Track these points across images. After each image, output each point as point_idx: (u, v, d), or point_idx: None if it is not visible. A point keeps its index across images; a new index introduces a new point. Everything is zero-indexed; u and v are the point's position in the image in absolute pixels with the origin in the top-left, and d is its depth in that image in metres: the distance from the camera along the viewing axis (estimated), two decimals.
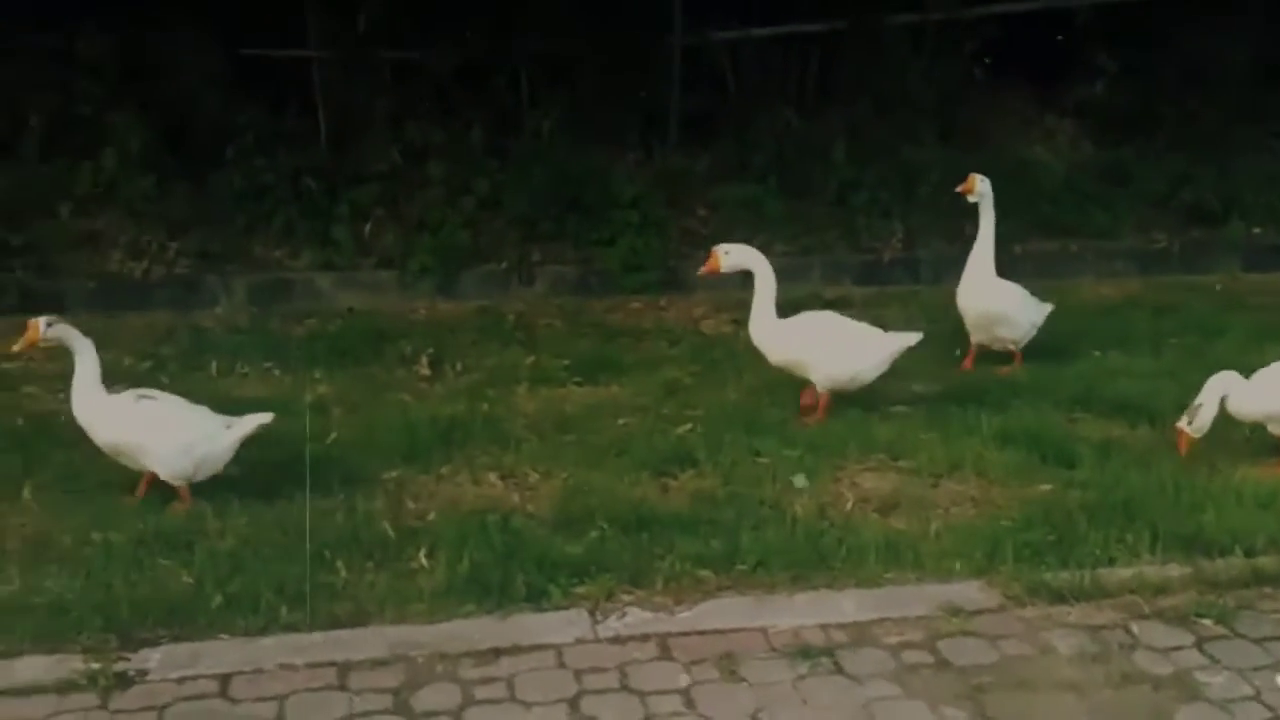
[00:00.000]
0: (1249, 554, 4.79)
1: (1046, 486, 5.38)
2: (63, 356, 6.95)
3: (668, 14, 9.19)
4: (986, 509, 5.20)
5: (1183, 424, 5.52)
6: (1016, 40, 9.63)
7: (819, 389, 6.08)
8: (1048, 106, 10.10)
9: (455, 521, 4.97)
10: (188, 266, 8.16)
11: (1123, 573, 4.68)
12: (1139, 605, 4.51)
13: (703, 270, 6.12)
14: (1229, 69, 9.79)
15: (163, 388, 6.34)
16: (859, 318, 6.39)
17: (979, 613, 4.45)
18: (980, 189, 6.69)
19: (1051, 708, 3.98)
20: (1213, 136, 9.57)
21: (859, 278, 8.64)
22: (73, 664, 4.08)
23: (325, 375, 6.71)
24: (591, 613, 4.42)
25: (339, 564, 4.67)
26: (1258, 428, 5.64)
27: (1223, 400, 5.48)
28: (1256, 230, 9.26)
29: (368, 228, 8.45)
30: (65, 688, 3.98)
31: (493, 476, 5.47)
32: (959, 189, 6.76)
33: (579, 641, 4.27)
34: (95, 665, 4.06)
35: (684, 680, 4.07)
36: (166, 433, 5.03)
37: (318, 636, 4.27)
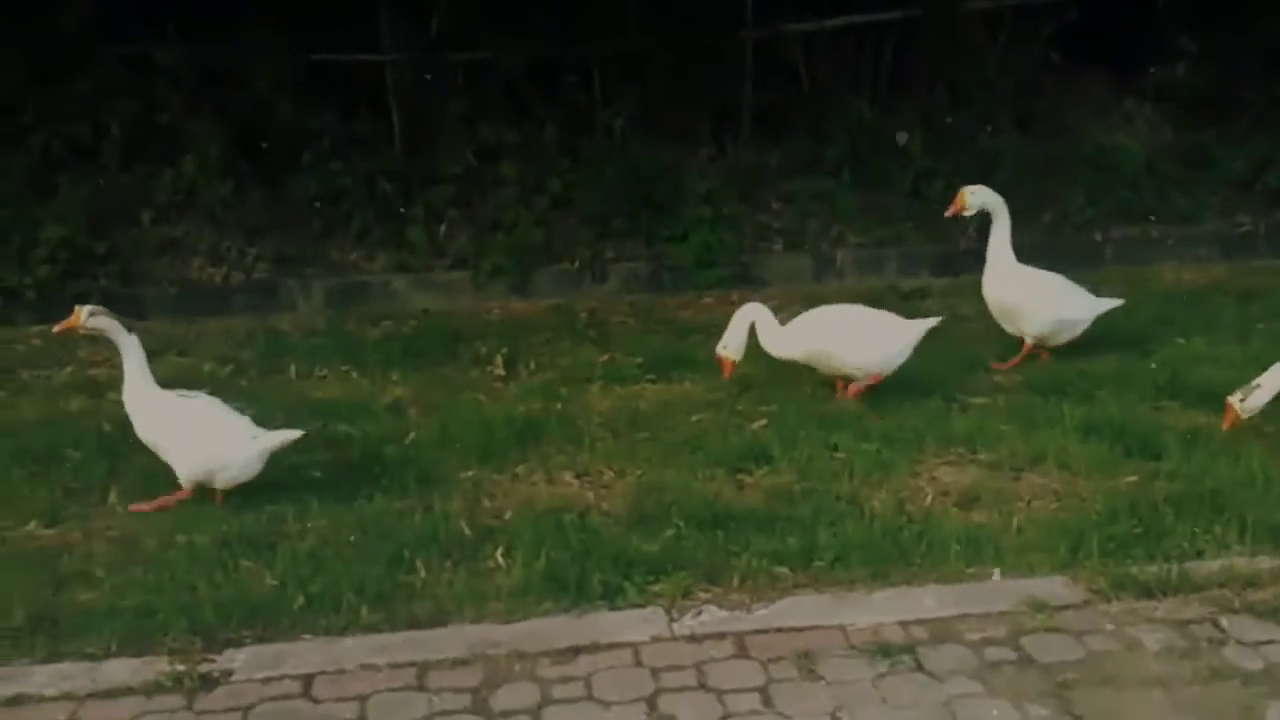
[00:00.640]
0: None
1: (1131, 478, 5.28)
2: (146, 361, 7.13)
3: (739, 8, 9.14)
4: (1070, 502, 5.12)
5: (1234, 399, 5.41)
6: (1094, 24, 9.46)
7: (856, 377, 6.07)
8: (1126, 91, 9.91)
9: (531, 520, 4.98)
10: (266, 271, 8.27)
11: (1211, 565, 4.59)
12: (1228, 599, 4.41)
13: (949, 211, 6.41)
14: None
15: (242, 392, 6.49)
16: (936, 309, 6.33)
17: (1063, 608, 4.38)
18: (973, 201, 6.48)
19: (1138, 705, 3.90)
20: None
21: (935, 269, 8.54)
22: (159, 665, 4.14)
23: (401, 377, 6.76)
24: (668, 611, 4.41)
25: (418, 564, 4.71)
26: None
27: None
28: None
29: (442, 229, 8.51)
30: (152, 689, 4.04)
31: (568, 475, 5.48)
32: (948, 212, 6.58)
33: (655, 640, 4.26)
34: (181, 667, 4.12)
35: (761, 679, 4.05)
36: (186, 434, 5.10)
37: (398, 636, 4.31)
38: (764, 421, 5.92)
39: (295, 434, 5.21)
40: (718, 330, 6.16)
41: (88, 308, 5.22)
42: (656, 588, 4.53)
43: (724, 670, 4.10)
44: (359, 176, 8.43)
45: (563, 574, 4.56)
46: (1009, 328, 6.66)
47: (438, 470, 5.51)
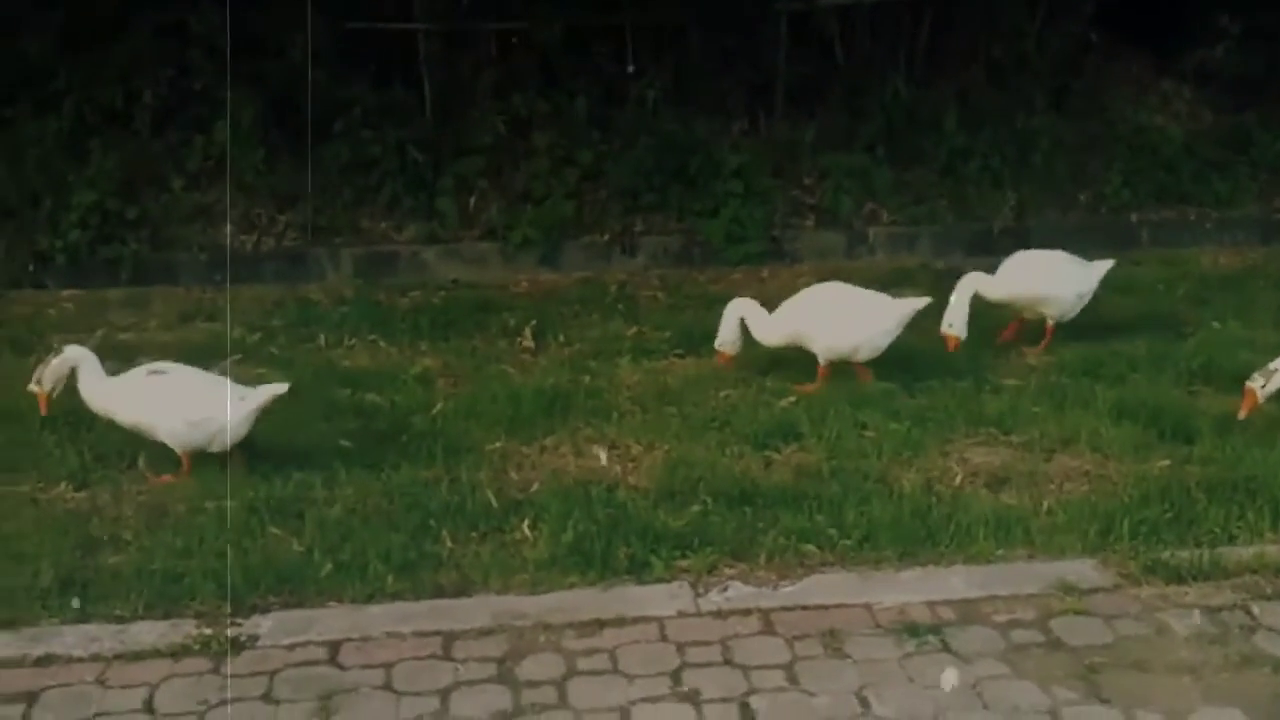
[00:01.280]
0: None
1: (1164, 462, 5.23)
2: (176, 326, 7.18)
3: None
4: (1101, 485, 5.08)
5: (1255, 384, 5.33)
6: (1134, 4, 9.35)
7: (821, 360, 6.01)
8: (1165, 72, 9.80)
9: (558, 493, 4.98)
10: (295, 239, 8.27)
11: (1243, 552, 4.55)
12: (1260, 585, 4.38)
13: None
14: None
15: (272, 359, 6.51)
16: None
17: (1093, 591, 4.36)
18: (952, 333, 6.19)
19: (1167, 690, 3.87)
20: None
21: (970, 248, 8.47)
22: (186, 629, 4.17)
23: (430, 347, 6.76)
24: (694, 586, 4.41)
25: (444, 534, 4.71)
26: None
27: None
28: None
29: (472, 200, 8.49)
30: (179, 652, 4.07)
31: (595, 448, 5.47)
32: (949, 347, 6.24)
33: (681, 614, 4.26)
34: (208, 631, 4.15)
35: (787, 656, 4.04)
36: (174, 408, 5.09)
37: (423, 605, 4.32)
38: (793, 398, 5.90)
39: (281, 388, 5.20)
40: None
41: (33, 380, 5.23)
42: (683, 563, 4.52)
43: (749, 646, 4.09)
44: (390, 146, 8.41)
45: (589, 547, 4.56)
46: (1029, 314, 6.59)
47: (465, 441, 5.51)
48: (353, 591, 4.38)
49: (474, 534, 4.74)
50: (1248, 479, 4.96)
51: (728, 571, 4.49)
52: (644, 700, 3.85)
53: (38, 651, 4.07)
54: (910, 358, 6.15)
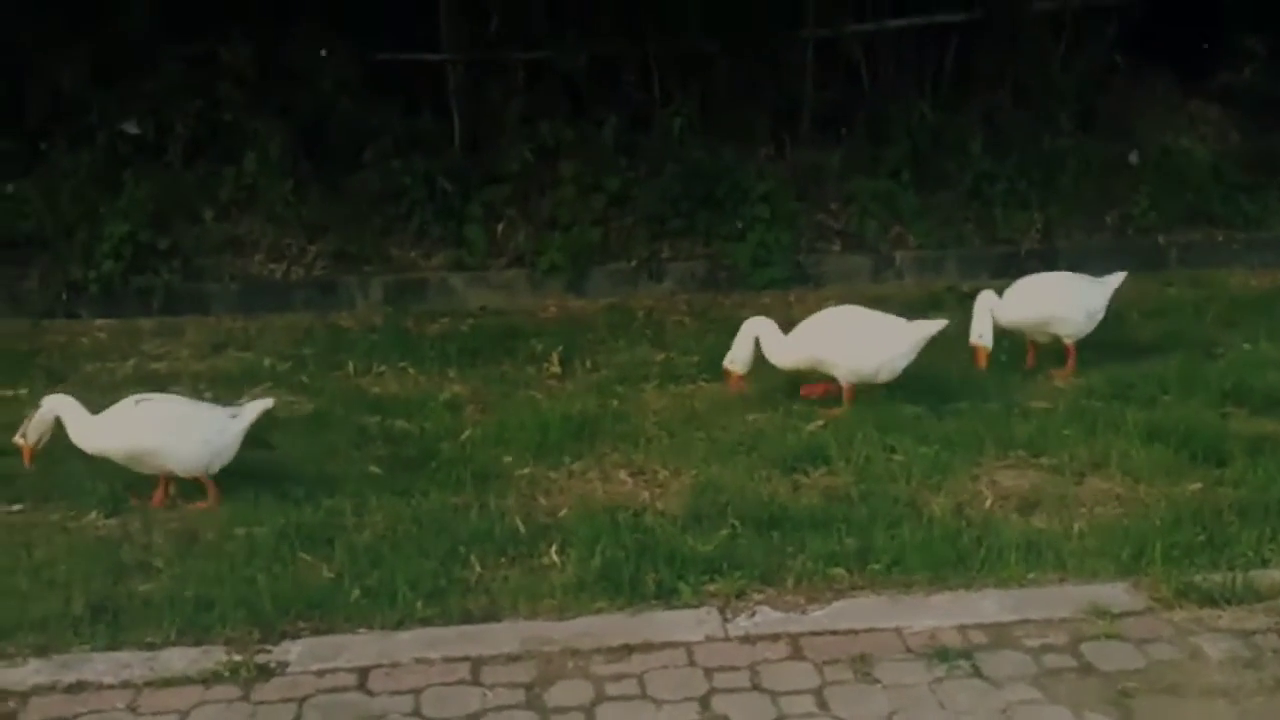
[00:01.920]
0: None
1: (1196, 485, 5.19)
2: (208, 355, 7.24)
3: (799, 8, 9.11)
4: (1133, 508, 5.04)
5: None
6: (1159, 26, 9.34)
7: (843, 382, 6.00)
8: (1192, 93, 9.79)
9: (586, 518, 4.98)
10: (325, 268, 8.34)
11: (1276, 574, 4.49)
12: None
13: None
14: None
15: (303, 386, 6.55)
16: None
17: (1125, 615, 4.31)
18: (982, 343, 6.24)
19: (1201, 714, 3.83)
20: None
21: (997, 271, 8.43)
22: (216, 656, 4.17)
23: (458, 374, 6.79)
24: (722, 611, 4.39)
25: (473, 559, 4.71)
26: None
27: None
28: None
29: (500, 227, 8.54)
30: (209, 679, 4.07)
31: (623, 473, 5.47)
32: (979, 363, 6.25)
33: (709, 640, 4.23)
34: (238, 657, 4.15)
35: (816, 681, 4.01)
36: (179, 431, 5.13)
37: (452, 631, 4.32)
38: (821, 422, 5.89)
39: (267, 403, 5.35)
40: None
41: (19, 434, 5.25)
42: (711, 588, 4.50)
43: (778, 672, 4.07)
44: (418, 175, 8.48)
45: (617, 572, 4.55)
46: (1041, 338, 6.56)
47: (493, 467, 5.52)
48: (382, 618, 4.38)
49: (502, 559, 4.74)
50: None
51: (756, 596, 4.48)
52: None
53: (69, 679, 4.08)
54: (938, 381, 6.14)
